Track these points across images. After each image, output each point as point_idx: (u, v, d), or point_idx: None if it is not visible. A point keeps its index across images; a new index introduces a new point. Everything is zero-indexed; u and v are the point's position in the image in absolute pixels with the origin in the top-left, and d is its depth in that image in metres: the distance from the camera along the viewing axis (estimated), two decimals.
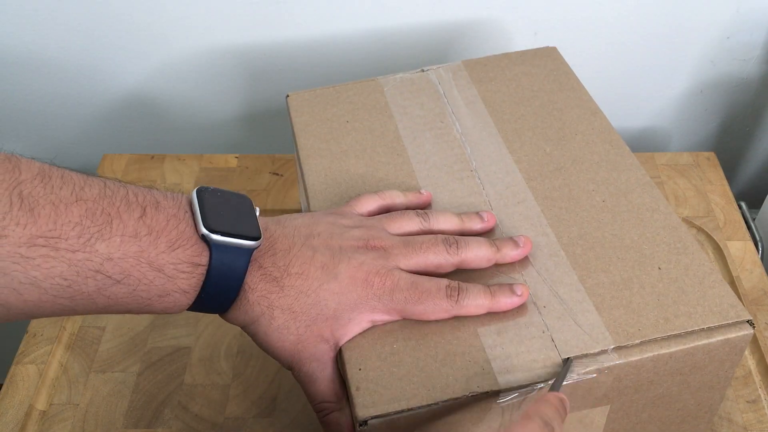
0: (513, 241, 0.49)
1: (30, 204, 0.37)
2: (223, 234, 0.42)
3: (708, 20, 0.83)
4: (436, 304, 0.45)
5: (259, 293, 0.44)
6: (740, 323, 0.46)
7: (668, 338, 0.45)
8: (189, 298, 0.43)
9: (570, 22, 0.83)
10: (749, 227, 0.75)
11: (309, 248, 0.46)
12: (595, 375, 0.44)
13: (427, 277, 0.47)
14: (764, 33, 0.84)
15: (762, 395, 0.60)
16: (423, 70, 0.65)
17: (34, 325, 0.67)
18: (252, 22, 0.82)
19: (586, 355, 0.44)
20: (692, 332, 0.45)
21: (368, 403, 0.43)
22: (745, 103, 0.91)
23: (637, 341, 0.44)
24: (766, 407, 0.59)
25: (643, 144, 0.95)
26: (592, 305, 0.47)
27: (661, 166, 0.79)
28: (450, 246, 0.48)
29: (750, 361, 0.63)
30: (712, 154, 0.82)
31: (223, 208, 0.44)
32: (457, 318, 0.47)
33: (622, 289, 0.47)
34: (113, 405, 0.61)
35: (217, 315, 0.47)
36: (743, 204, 0.78)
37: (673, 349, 0.44)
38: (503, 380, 0.44)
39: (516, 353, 0.45)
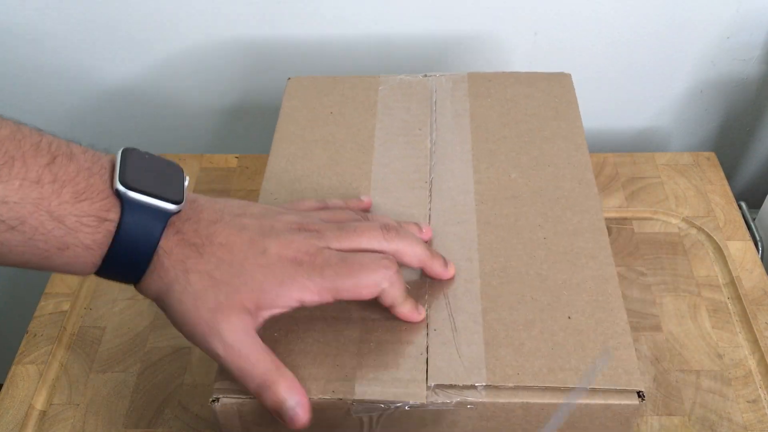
0: (443, 259, 0.48)
1: None
2: (138, 191, 0.40)
3: (708, 20, 0.83)
4: (369, 270, 0.43)
5: (175, 258, 0.41)
6: (628, 392, 0.42)
7: (544, 389, 0.42)
8: (94, 256, 0.40)
9: (570, 22, 0.83)
10: (749, 227, 0.75)
11: (237, 224, 0.43)
12: (453, 408, 0.43)
13: (360, 253, 0.44)
14: (764, 33, 0.84)
15: (762, 395, 0.60)
16: (425, 75, 0.65)
17: (35, 325, 0.67)
18: (256, 18, 0.82)
19: (453, 386, 0.43)
20: (572, 389, 0.43)
21: (226, 384, 0.43)
22: (745, 103, 0.91)
23: (511, 385, 0.43)
24: (766, 407, 0.59)
25: (643, 144, 0.95)
26: (482, 339, 0.45)
27: (661, 166, 0.79)
28: (388, 231, 0.45)
29: (750, 361, 0.63)
30: (712, 154, 0.82)
31: (146, 169, 0.41)
32: (343, 320, 0.46)
33: (521, 330, 0.46)
34: (113, 405, 0.61)
35: None
36: (743, 204, 0.78)
37: (545, 401, 0.42)
38: (360, 390, 0.43)
39: (385, 367, 0.44)
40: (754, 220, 0.80)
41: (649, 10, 0.82)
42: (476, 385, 0.43)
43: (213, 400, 0.43)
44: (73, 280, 0.71)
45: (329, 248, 0.44)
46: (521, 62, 0.87)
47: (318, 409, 0.43)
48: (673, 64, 0.87)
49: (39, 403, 0.61)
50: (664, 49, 0.86)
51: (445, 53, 0.86)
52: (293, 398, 0.41)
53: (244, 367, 0.41)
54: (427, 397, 0.43)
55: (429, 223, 0.53)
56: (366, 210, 0.53)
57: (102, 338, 0.66)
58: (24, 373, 0.63)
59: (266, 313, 0.42)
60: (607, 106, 0.91)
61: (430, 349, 0.45)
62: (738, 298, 0.67)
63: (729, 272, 0.69)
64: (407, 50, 0.86)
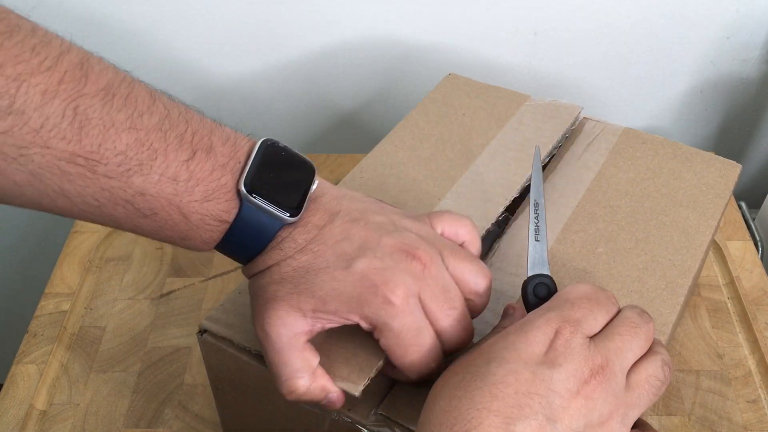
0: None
1: (81, 121, 0.36)
2: (259, 196, 0.40)
3: (708, 20, 0.83)
4: (420, 358, 0.40)
5: (273, 256, 0.41)
6: None
7: None
8: (209, 247, 0.42)
9: (570, 23, 0.83)
10: (749, 227, 0.75)
11: (342, 231, 0.41)
12: None
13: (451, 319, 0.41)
14: (764, 33, 0.84)
15: (762, 395, 0.60)
16: (578, 117, 0.62)
17: (35, 325, 0.67)
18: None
19: (397, 424, 0.42)
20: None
21: (217, 319, 0.46)
22: (745, 103, 0.91)
23: None
24: (766, 407, 0.59)
25: None
26: None
27: None
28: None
29: (750, 361, 0.63)
30: (712, 154, 0.82)
31: (277, 169, 0.41)
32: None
33: None
34: (114, 405, 0.61)
35: None
36: (743, 204, 0.78)
37: None
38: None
39: (350, 376, 0.43)
40: (754, 220, 0.80)
41: (649, 11, 0.82)
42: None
43: (199, 332, 0.46)
44: (73, 280, 0.71)
45: (419, 299, 0.40)
46: (521, 62, 0.87)
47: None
48: (673, 64, 0.87)
49: (39, 403, 0.61)
50: (664, 49, 0.86)
51: (446, 53, 0.86)
52: (317, 395, 0.41)
53: (275, 362, 0.41)
54: (368, 420, 0.43)
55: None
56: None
57: (102, 338, 0.66)
58: (24, 373, 0.63)
59: (322, 322, 0.41)
60: (607, 105, 0.91)
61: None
62: (738, 298, 0.67)
63: (729, 272, 0.69)
64: (407, 50, 0.86)
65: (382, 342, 0.40)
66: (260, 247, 0.41)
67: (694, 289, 0.67)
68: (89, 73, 0.37)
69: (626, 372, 0.35)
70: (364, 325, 0.40)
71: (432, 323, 0.40)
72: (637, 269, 0.50)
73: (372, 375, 0.42)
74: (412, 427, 0.42)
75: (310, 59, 0.86)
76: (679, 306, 0.48)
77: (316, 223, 0.42)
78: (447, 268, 0.41)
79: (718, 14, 0.82)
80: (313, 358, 0.41)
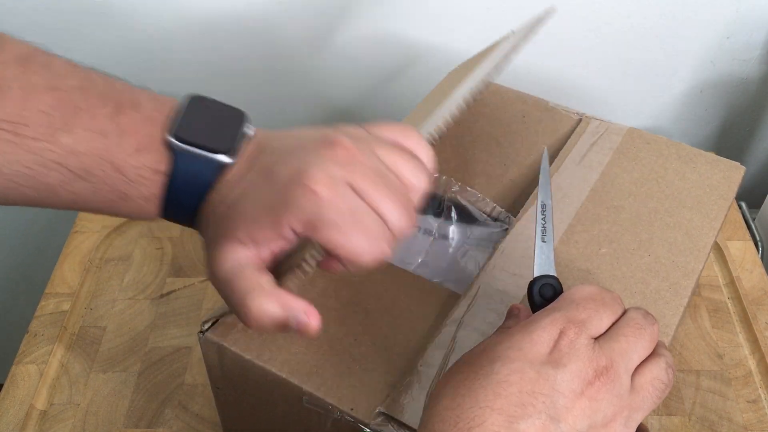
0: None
1: (0, 86, 0.36)
2: (190, 143, 0.39)
3: (708, 20, 0.83)
4: (367, 240, 0.36)
5: (208, 206, 0.40)
6: None
7: None
8: (153, 206, 0.40)
9: (570, 22, 0.83)
10: (749, 227, 0.75)
11: (272, 156, 0.39)
12: None
13: (390, 200, 0.37)
14: (764, 33, 0.84)
15: (762, 395, 0.60)
16: (582, 117, 0.62)
17: (35, 325, 0.67)
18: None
19: (399, 423, 0.42)
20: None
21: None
22: (745, 103, 0.91)
23: None
24: (766, 407, 0.59)
25: None
26: None
27: None
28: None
29: (750, 361, 0.63)
30: (712, 154, 0.82)
31: (206, 117, 0.40)
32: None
33: None
34: (114, 405, 0.61)
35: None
36: (743, 204, 0.78)
37: None
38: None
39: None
40: (754, 220, 0.80)
41: (649, 10, 0.82)
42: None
43: (200, 332, 0.46)
44: (73, 280, 0.71)
45: (349, 185, 0.37)
46: (521, 62, 0.87)
47: (280, 383, 0.44)
48: (673, 64, 0.87)
49: (39, 403, 0.61)
50: (664, 49, 0.86)
51: (446, 53, 0.86)
52: (280, 315, 0.37)
53: (229, 296, 0.38)
54: (370, 420, 0.43)
55: (493, 254, 0.51)
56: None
57: (102, 338, 0.66)
58: (24, 373, 0.63)
59: (265, 244, 0.38)
60: (606, 105, 0.91)
61: (406, 381, 0.44)
62: (738, 298, 0.67)
63: (729, 272, 0.69)
64: (407, 50, 0.86)
65: (321, 238, 0.36)
66: (202, 194, 0.40)
67: (695, 289, 0.67)
68: (4, 44, 0.37)
69: (630, 374, 0.35)
70: (299, 228, 0.36)
71: (369, 206, 0.37)
72: (641, 270, 0.50)
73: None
74: (414, 426, 0.42)
75: (310, 57, 0.86)
76: (682, 308, 0.48)
77: (248, 157, 0.40)
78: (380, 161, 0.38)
79: (718, 14, 0.82)
80: (266, 280, 0.38)
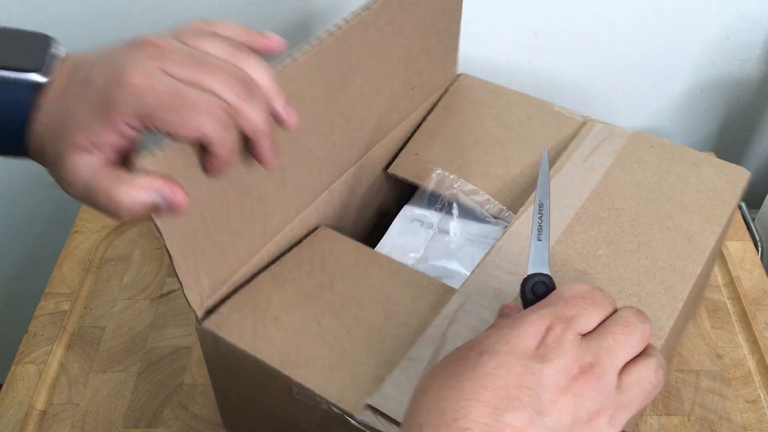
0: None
1: None
2: None
3: (708, 20, 0.83)
4: (197, 112, 0.37)
5: (36, 129, 0.39)
6: None
7: None
8: None
9: (570, 23, 0.83)
10: (749, 227, 0.75)
11: (76, 63, 0.40)
12: None
13: (207, 76, 0.38)
14: (764, 33, 0.84)
15: (761, 395, 0.60)
16: (586, 120, 0.62)
17: (35, 324, 0.67)
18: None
19: (387, 417, 0.43)
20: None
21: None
22: (745, 103, 0.91)
23: None
24: (765, 407, 0.59)
25: None
26: None
27: None
28: (243, 88, 0.39)
29: (750, 362, 0.63)
30: (712, 154, 0.82)
31: (13, 43, 0.40)
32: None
33: None
34: (113, 405, 0.61)
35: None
36: (743, 204, 0.78)
37: None
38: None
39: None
40: (753, 220, 0.80)
41: (649, 11, 0.82)
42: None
43: (198, 321, 0.47)
44: (73, 280, 0.71)
45: (166, 72, 0.38)
46: (521, 62, 0.87)
47: (271, 374, 0.45)
48: (673, 64, 0.87)
49: (39, 403, 0.61)
50: (664, 49, 0.86)
51: None
52: (149, 198, 0.39)
53: (94, 200, 0.39)
54: (357, 412, 0.43)
55: (484, 256, 0.51)
56: (272, 52, 0.44)
57: (102, 338, 0.66)
58: (24, 373, 0.63)
59: (106, 145, 0.38)
60: (607, 105, 0.91)
61: (394, 374, 0.45)
62: (737, 298, 0.67)
63: (728, 272, 0.69)
64: None
65: (159, 124, 0.37)
66: (23, 119, 0.39)
67: (701, 294, 0.67)
68: None
69: (617, 371, 0.35)
70: (134, 122, 0.37)
71: (192, 84, 0.38)
72: (638, 273, 0.50)
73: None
74: (400, 420, 0.42)
75: None
76: (677, 311, 0.47)
77: (66, 74, 0.40)
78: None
79: (718, 14, 0.82)
80: (124, 173, 0.38)
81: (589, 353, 0.34)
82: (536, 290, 0.39)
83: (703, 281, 0.59)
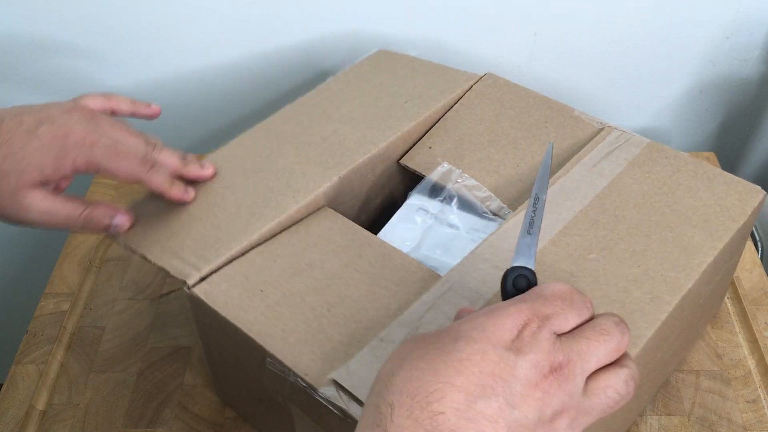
0: (200, 164, 0.57)
1: None
2: None
3: (708, 20, 0.83)
4: (131, 160, 0.52)
5: None
6: None
7: None
8: None
9: (570, 23, 0.83)
10: None
11: (16, 121, 0.51)
12: (337, 412, 0.44)
13: (129, 138, 0.53)
14: (764, 33, 0.84)
15: (762, 395, 0.60)
16: (604, 127, 0.61)
17: (35, 325, 0.67)
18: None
19: (349, 394, 0.44)
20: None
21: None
22: (745, 103, 0.91)
23: None
24: (765, 407, 0.59)
25: None
26: None
27: None
28: (148, 153, 0.54)
29: (750, 361, 0.63)
30: (712, 154, 0.82)
31: None
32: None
33: None
34: (113, 405, 0.61)
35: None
36: None
37: None
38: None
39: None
40: None
41: (649, 11, 0.82)
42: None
43: (186, 286, 0.50)
44: (73, 280, 0.71)
45: (103, 135, 0.52)
46: (521, 62, 0.87)
47: (247, 342, 0.47)
48: (673, 64, 0.87)
49: (39, 403, 0.61)
50: (664, 49, 0.86)
51: (446, 52, 0.86)
52: (103, 219, 0.53)
53: (52, 224, 0.52)
54: (321, 386, 0.44)
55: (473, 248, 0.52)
56: (152, 117, 0.60)
57: (102, 338, 0.66)
58: (24, 373, 0.63)
59: (55, 178, 0.51)
60: (607, 106, 0.91)
61: (362, 353, 0.45)
62: (738, 298, 0.67)
63: None
64: (407, 49, 0.86)
65: (102, 168, 0.51)
66: None
67: (713, 312, 0.66)
68: None
69: (586, 376, 0.35)
70: (83, 167, 0.51)
71: (119, 141, 0.53)
72: (626, 280, 0.49)
73: None
74: (362, 398, 0.42)
75: (305, 55, 0.86)
76: (660, 322, 0.47)
77: None
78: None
79: (718, 14, 0.82)
80: (75, 201, 0.52)
81: (561, 353, 0.34)
82: (517, 284, 0.39)
83: (710, 299, 0.58)
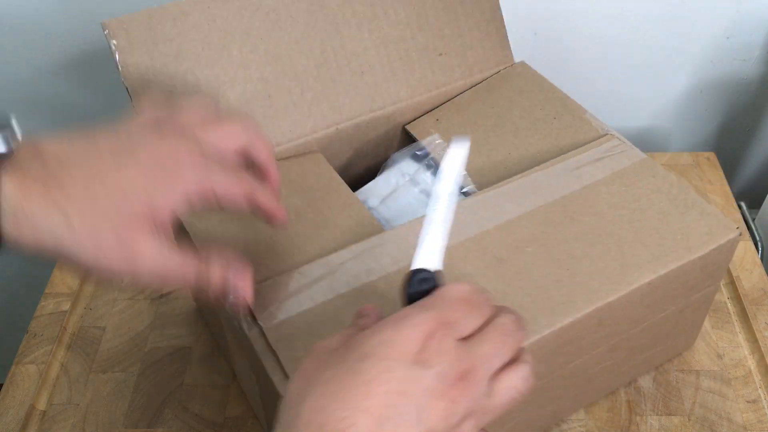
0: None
1: None
2: None
3: (708, 20, 0.83)
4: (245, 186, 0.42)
5: (34, 199, 0.37)
6: None
7: None
8: None
9: (570, 23, 0.83)
10: (749, 227, 0.75)
11: (89, 143, 0.40)
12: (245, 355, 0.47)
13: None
14: (764, 33, 0.84)
15: (762, 395, 0.60)
16: (606, 134, 0.60)
17: (35, 325, 0.67)
18: None
19: (255, 325, 0.47)
20: None
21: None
22: (745, 103, 0.91)
23: None
24: (766, 407, 0.59)
25: (643, 144, 0.95)
26: None
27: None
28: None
29: (750, 361, 0.63)
30: (712, 154, 0.82)
31: None
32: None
33: None
34: (113, 405, 0.61)
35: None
36: (743, 204, 0.78)
37: None
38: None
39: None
40: (753, 220, 0.80)
41: (649, 11, 0.82)
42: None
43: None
44: (73, 280, 0.71)
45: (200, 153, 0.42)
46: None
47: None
48: (673, 64, 0.87)
49: (39, 403, 0.61)
50: (664, 49, 0.86)
51: None
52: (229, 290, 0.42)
53: (169, 275, 0.40)
54: (242, 322, 0.47)
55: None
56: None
57: (102, 338, 0.66)
58: (24, 373, 0.63)
59: (165, 213, 0.40)
60: (606, 106, 0.91)
61: (278, 279, 0.48)
62: (738, 298, 0.67)
63: (729, 272, 0.69)
64: None
65: (218, 192, 0.41)
66: None
67: (677, 344, 0.63)
68: None
69: (489, 378, 0.35)
70: (196, 195, 0.40)
71: (216, 164, 0.42)
72: (549, 279, 0.49)
73: None
74: (258, 318, 0.46)
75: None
76: (560, 325, 0.46)
77: (52, 150, 0.38)
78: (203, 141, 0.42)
79: (718, 14, 0.82)
80: (187, 251, 0.41)
81: (467, 360, 0.34)
82: (420, 287, 0.38)
83: (665, 327, 0.57)
